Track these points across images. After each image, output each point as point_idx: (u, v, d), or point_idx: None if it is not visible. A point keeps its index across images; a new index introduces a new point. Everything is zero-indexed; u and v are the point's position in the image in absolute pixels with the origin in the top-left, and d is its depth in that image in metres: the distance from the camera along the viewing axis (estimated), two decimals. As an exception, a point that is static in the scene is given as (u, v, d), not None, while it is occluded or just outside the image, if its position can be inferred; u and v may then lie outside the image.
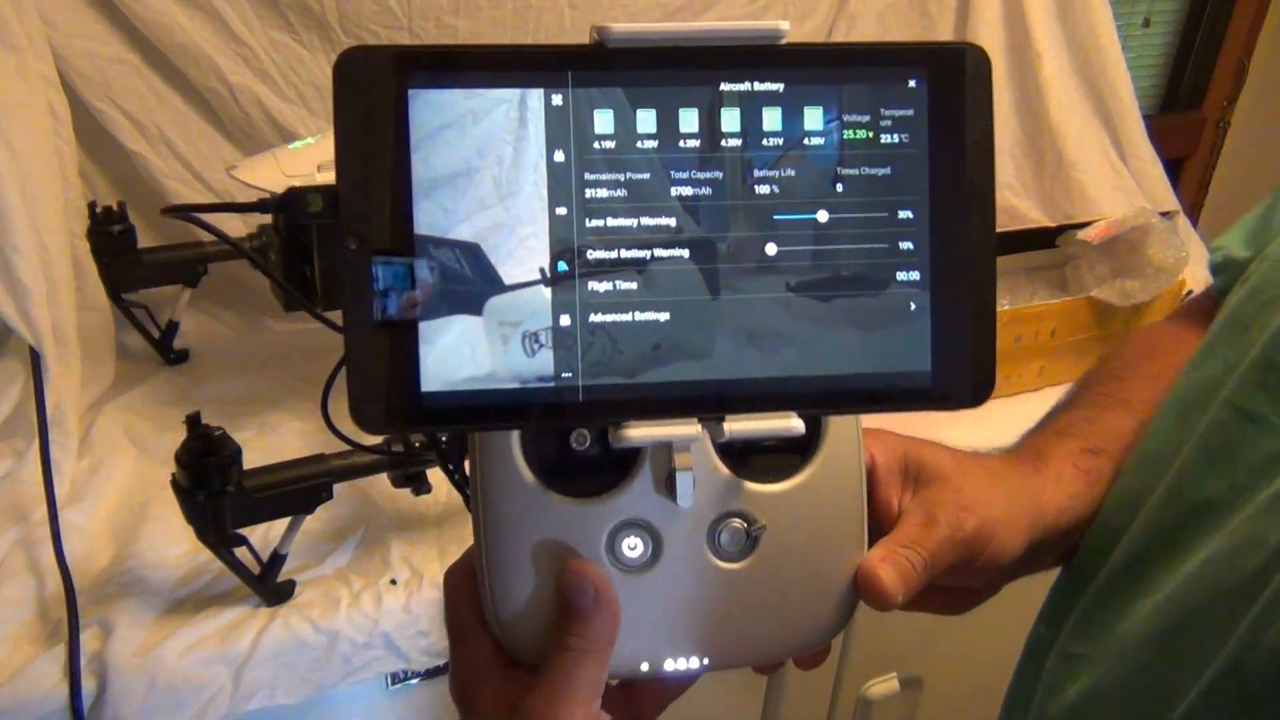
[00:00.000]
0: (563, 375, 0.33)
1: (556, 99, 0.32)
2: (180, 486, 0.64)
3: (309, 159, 0.85)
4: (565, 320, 0.33)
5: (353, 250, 0.31)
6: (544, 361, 0.33)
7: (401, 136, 0.31)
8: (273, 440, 0.89)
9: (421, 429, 0.33)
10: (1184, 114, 1.74)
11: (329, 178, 0.85)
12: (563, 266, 0.33)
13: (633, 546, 0.36)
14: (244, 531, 0.68)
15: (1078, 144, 1.34)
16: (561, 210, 0.32)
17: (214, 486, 0.64)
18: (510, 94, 0.32)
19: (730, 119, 0.33)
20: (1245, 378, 0.43)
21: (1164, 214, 1.08)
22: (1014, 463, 0.48)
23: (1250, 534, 0.40)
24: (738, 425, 0.34)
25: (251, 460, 0.67)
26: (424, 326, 0.32)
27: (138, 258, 0.95)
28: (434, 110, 0.31)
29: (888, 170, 0.34)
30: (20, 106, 0.83)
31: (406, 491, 0.75)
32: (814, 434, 0.38)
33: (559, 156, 0.32)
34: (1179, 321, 0.60)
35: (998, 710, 0.56)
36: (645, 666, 0.37)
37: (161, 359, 1.03)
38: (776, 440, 0.36)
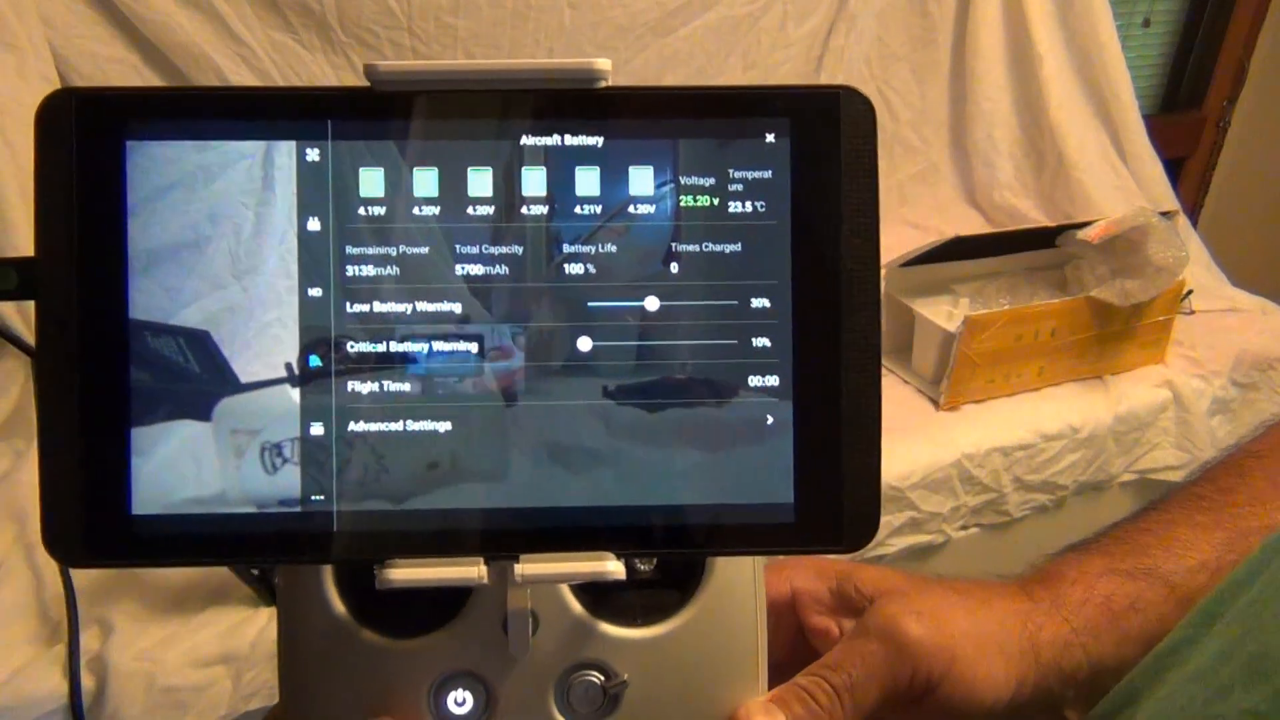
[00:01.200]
0: (312, 499, 0.26)
1: (312, 154, 0.26)
2: (180, 486, 0.64)
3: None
4: (317, 430, 0.26)
5: (51, 336, 0.25)
6: (288, 481, 0.26)
7: (115, 198, 0.26)
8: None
9: (129, 563, 0.28)
10: (1184, 114, 1.74)
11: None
12: (315, 361, 0.26)
13: (460, 701, 0.29)
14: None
15: (1078, 144, 1.34)
16: (315, 291, 0.26)
17: (214, 486, 0.64)
18: (253, 147, 0.26)
19: (533, 181, 0.26)
20: None
21: (1164, 214, 1.08)
22: (1002, 585, 0.37)
23: None
24: (534, 569, 0.26)
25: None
26: (137, 434, 0.26)
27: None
28: (157, 166, 0.26)
29: (738, 246, 0.27)
30: (20, 106, 0.83)
31: None
32: (698, 564, 0.31)
33: (313, 225, 0.26)
34: None
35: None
36: None
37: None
38: (648, 573, 0.30)
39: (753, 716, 0.29)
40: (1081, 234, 1.08)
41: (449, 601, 0.29)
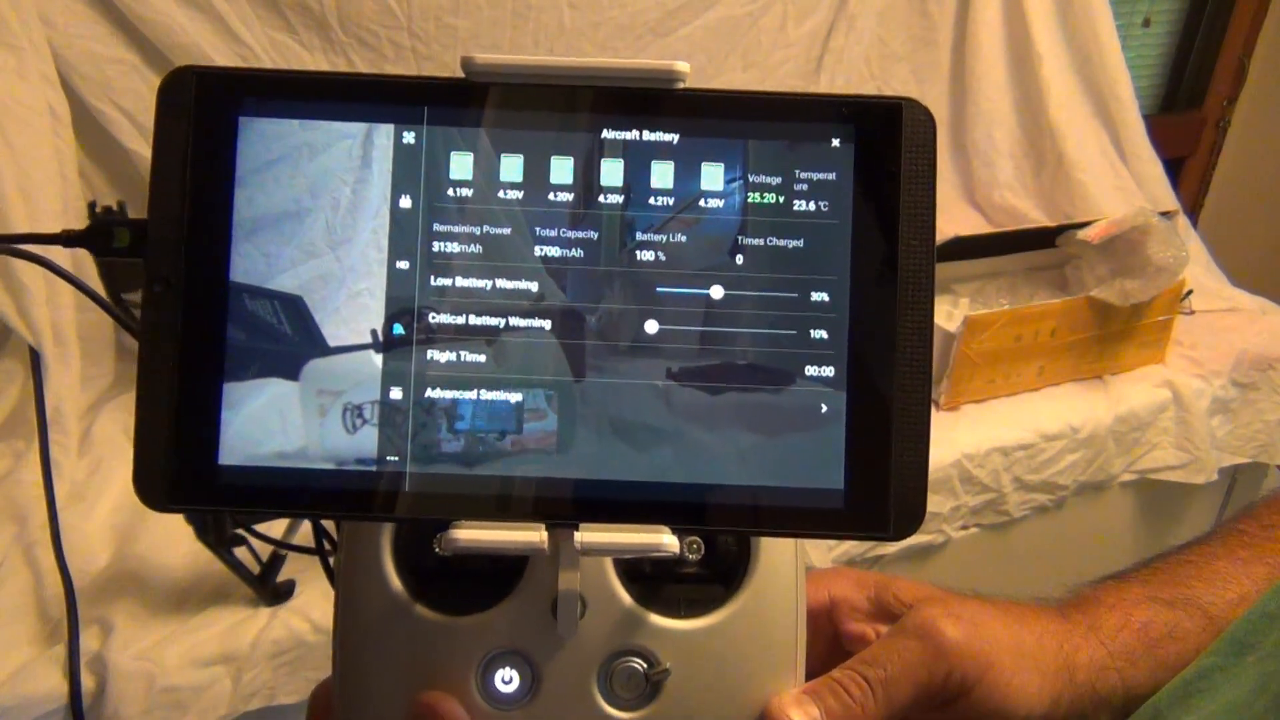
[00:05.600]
0: (387, 459, 0.27)
1: (408, 136, 0.27)
2: (180, 486, 0.64)
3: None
4: (396, 394, 0.28)
5: (157, 294, 0.27)
6: (366, 441, 0.27)
7: (225, 169, 0.27)
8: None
9: (212, 507, 0.28)
10: (1184, 114, 1.74)
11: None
12: (399, 330, 0.28)
13: (507, 680, 0.30)
14: (244, 531, 0.68)
15: (1078, 144, 1.34)
16: (403, 264, 0.28)
17: (214, 486, 0.64)
18: (355, 128, 0.27)
19: (611, 171, 0.28)
20: None
21: (1164, 214, 1.08)
22: (1038, 605, 0.36)
23: None
24: (593, 537, 0.27)
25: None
26: (229, 389, 0.27)
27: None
28: (265, 142, 0.27)
29: (800, 243, 0.28)
30: (20, 106, 0.83)
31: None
32: (743, 560, 0.31)
33: (405, 202, 0.28)
34: None
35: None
36: None
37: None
38: (695, 566, 0.31)
39: (787, 708, 0.30)
40: (1081, 234, 1.08)
41: (501, 582, 0.30)
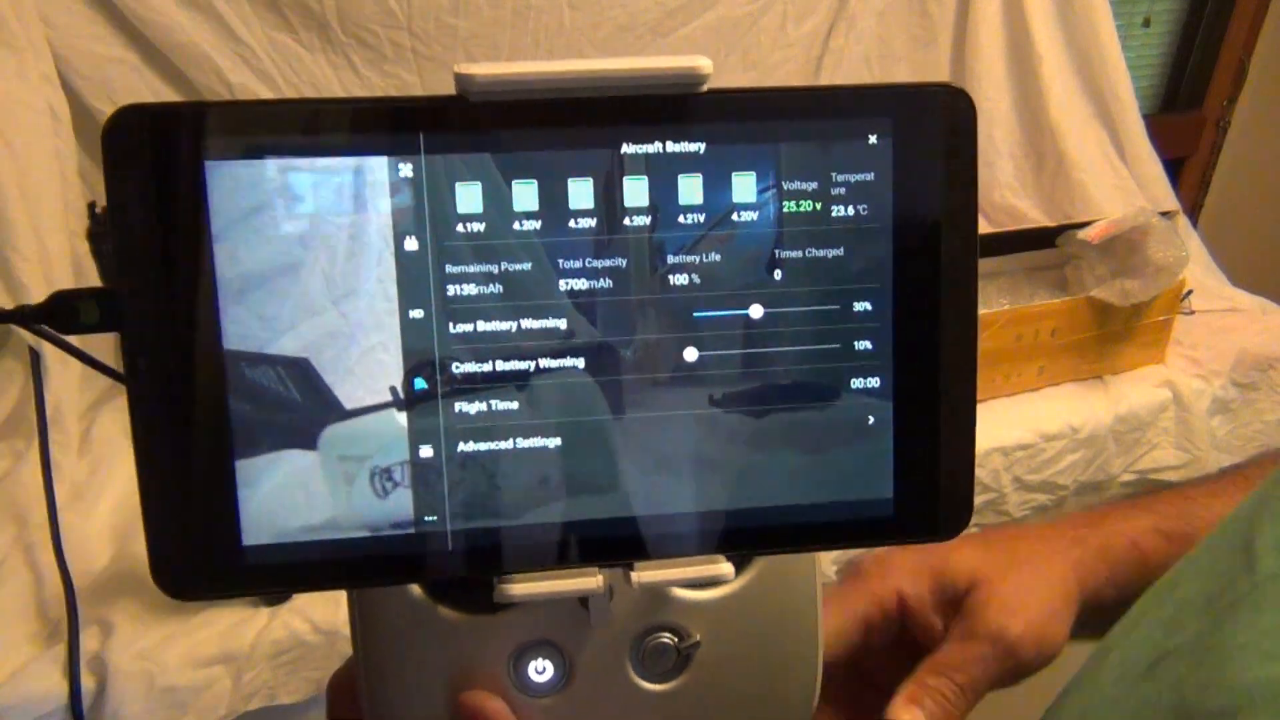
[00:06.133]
0: (425, 519, 0.26)
1: (405, 169, 0.25)
2: (180, 486, 0.64)
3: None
4: (426, 452, 0.26)
5: (141, 371, 0.24)
6: (401, 504, 0.26)
7: (199, 224, 0.24)
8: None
9: (243, 593, 0.27)
10: (1184, 114, 1.74)
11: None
12: (421, 384, 0.26)
13: (540, 670, 0.30)
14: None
15: (1078, 144, 1.34)
16: (417, 313, 0.25)
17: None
18: (343, 163, 0.24)
19: (635, 191, 0.26)
20: None
21: (1164, 214, 1.08)
22: (1056, 534, 0.41)
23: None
24: (650, 575, 0.27)
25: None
26: (241, 467, 0.25)
27: (138, 258, 0.95)
28: (242, 187, 0.24)
29: (840, 251, 0.27)
30: (20, 106, 0.83)
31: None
32: None
33: (411, 244, 0.25)
34: None
35: (997, 710, 0.56)
36: None
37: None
38: None
39: (897, 711, 0.34)
40: (1081, 234, 1.08)
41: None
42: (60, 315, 0.26)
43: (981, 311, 1.00)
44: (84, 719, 0.64)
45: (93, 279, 0.92)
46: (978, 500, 1.06)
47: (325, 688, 0.33)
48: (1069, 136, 1.33)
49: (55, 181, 0.86)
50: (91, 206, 0.92)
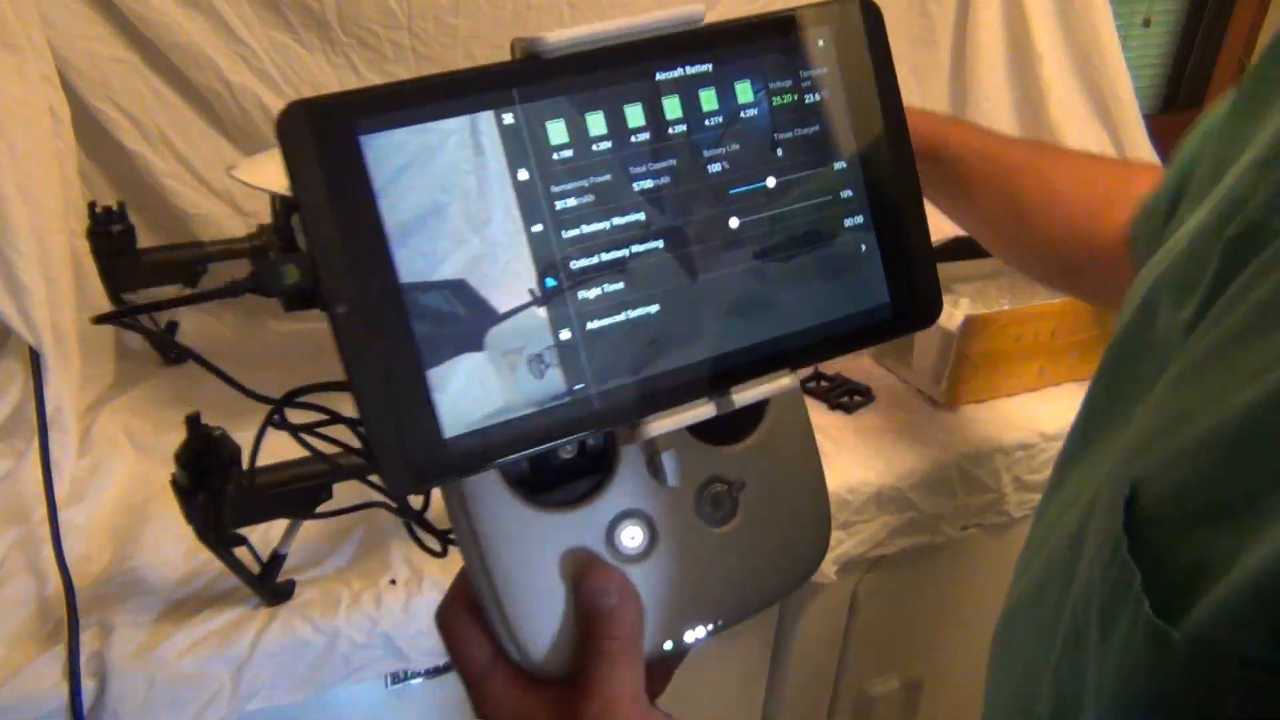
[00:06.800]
0: (575, 388, 0.33)
1: (508, 118, 0.31)
2: (180, 486, 0.64)
3: (309, 159, 0.84)
4: (565, 334, 0.33)
5: (343, 314, 0.29)
6: (554, 380, 0.33)
7: (364, 186, 0.29)
8: (273, 440, 0.89)
9: (454, 476, 0.33)
10: (1184, 114, 1.74)
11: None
12: (551, 282, 0.32)
13: (632, 537, 0.37)
14: (244, 531, 0.68)
15: (1078, 144, 1.34)
16: (538, 228, 0.32)
17: (214, 486, 0.64)
18: (461, 122, 0.31)
19: (672, 106, 0.34)
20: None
21: (1164, 214, 1.08)
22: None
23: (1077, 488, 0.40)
24: (743, 394, 0.35)
25: (251, 460, 0.67)
26: (431, 374, 0.31)
27: (137, 258, 0.95)
28: (389, 153, 0.30)
29: (816, 128, 0.36)
30: (20, 106, 0.83)
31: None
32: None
33: (523, 175, 0.32)
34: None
35: (998, 710, 0.56)
36: (669, 644, 0.38)
37: (161, 359, 1.03)
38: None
39: None
40: (1081, 234, 1.08)
41: (591, 470, 0.37)
42: (269, 281, 0.33)
43: (981, 312, 1.01)
44: (84, 719, 0.64)
45: (93, 279, 0.92)
46: (977, 500, 1.06)
47: (434, 624, 0.38)
48: (1069, 136, 1.33)
49: (55, 181, 0.86)
50: (92, 206, 0.92)
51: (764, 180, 0.35)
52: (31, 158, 0.83)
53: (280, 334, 1.11)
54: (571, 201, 0.32)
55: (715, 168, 0.34)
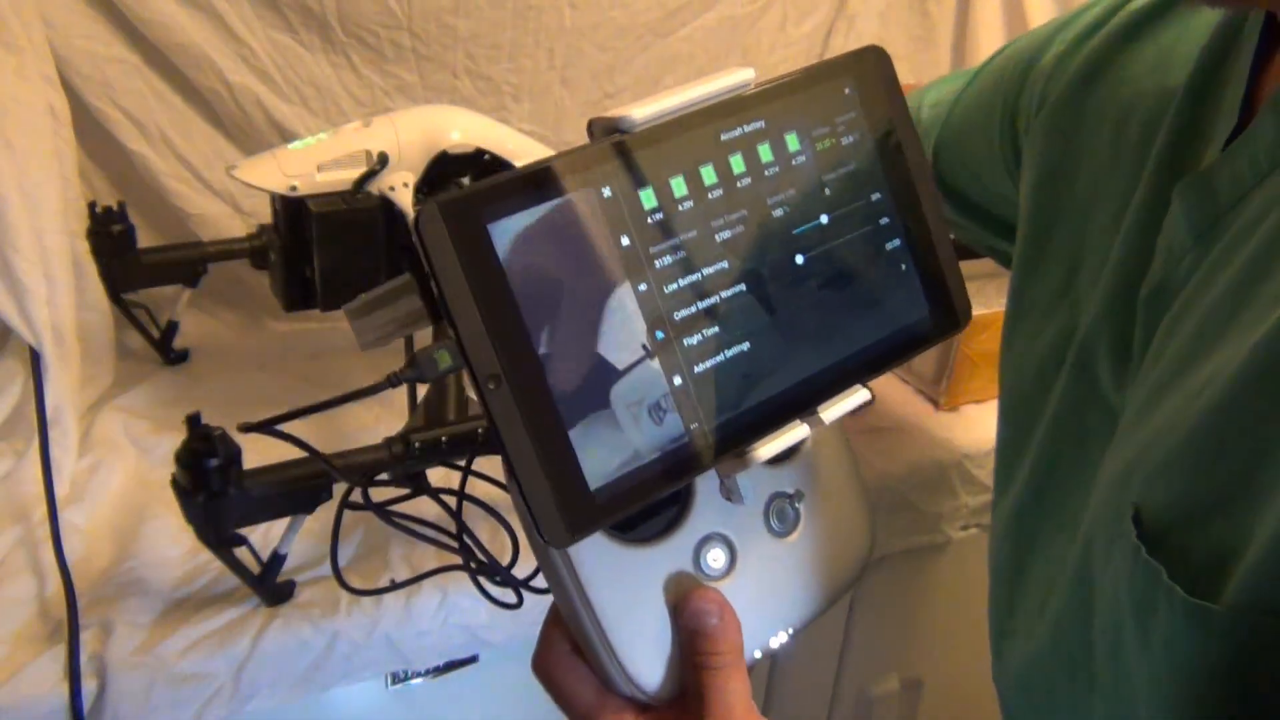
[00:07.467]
0: (691, 427, 0.36)
1: (607, 192, 0.35)
2: (180, 487, 0.64)
3: (309, 159, 0.84)
4: (678, 380, 0.36)
5: (493, 391, 0.32)
6: (673, 423, 0.36)
7: (497, 269, 0.32)
8: (273, 440, 0.89)
9: (601, 524, 0.35)
10: (1184, 114, 1.74)
11: (330, 178, 0.85)
12: (660, 335, 0.35)
13: (715, 558, 0.40)
14: (244, 531, 0.68)
15: (1078, 144, 1.34)
16: (643, 287, 0.35)
17: (214, 487, 0.64)
18: (567, 199, 0.34)
19: (737, 162, 0.37)
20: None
21: (1164, 214, 1.08)
22: None
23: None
24: (830, 411, 0.39)
25: (251, 460, 0.67)
26: (573, 435, 0.33)
27: (138, 258, 0.95)
28: (515, 236, 0.33)
29: (853, 166, 0.40)
30: (20, 106, 0.83)
31: (406, 492, 0.75)
32: None
33: (625, 241, 0.35)
34: None
35: (998, 710, 0.56)
36: (758, 654, 0.41)
37: (161, 359, 1.03)
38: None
39: None
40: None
41: (659, 507, 0.40)
42: (425, 368, 0.39)
43: (981, 312, 1.01)
44: (84, 719, 0.64)
45: (93, 279, 0.92)
46: (977, 500, 1.06)
47: (535, 675, 0.41)
48: (1069, 137, 1.33)
49: (55, 181, 0.86)
50: (92, 206, 0.92)
51: (819, 218, 0.39)
52: (31, 158, 0.83)
53: (280, 334, 1.11)
54: (668, 259, 0.35)
55: (778, 212, 0.38)
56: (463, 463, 0.56)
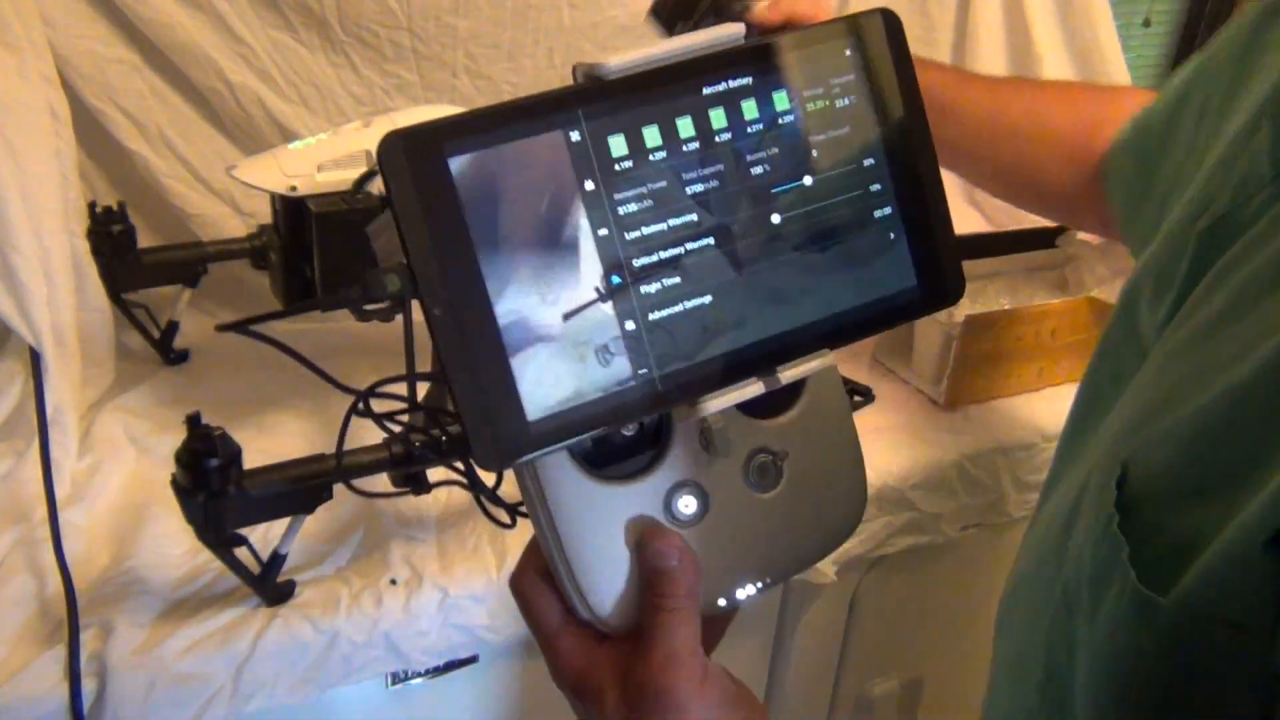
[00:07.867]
0: (639, 373, 0.36)
1: (575, 135, 0.35)
2: (180, 487, 0.64)
3: (309, 159, 0.85)
4: (630, 325, 0.36)
5: (439, 315, 0.33)
6: (620, 366, 0.36)
7: (453, 202, 0.33)
8: (273, 440, 0.89)
9: (536, 454, 0.36)
10: (1184, 114, 1.74)
11: (330, 178, 0.85)
12: (616, 280, 0.36)
13: (687, 505, 0.40)
14: (244, 531, 0.68)
15: (1078, 144, 1.33)
16: (603, 231, 0.35)
17: (214, 487, 0.64)
18: (534, 140, 0.34)
19: (718, 117, 0.37)
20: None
21: (1164, 214, 1.08)
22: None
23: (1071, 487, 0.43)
24: (788, 373, 0.39)
25: (251, 460, 0.67)
26: (514, 363, 0.34)
27: (138, 258, 0.95)
28: (474, 171, 0.33)
29: (847, 129, 0.39)
30: (20, 106, 0.83)
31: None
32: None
33: (589, 185, 0.35)
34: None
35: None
36: (722, 602, 0.41)
37: (161, 359, 1.03)
38: None
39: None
40: (1081, 234, 1.08)
41: (648, 445, 0.41)
42: (372, 288, 0.38)
43: (981, 312, 1.01)
44: (84, 719, 0.64)
45: (93, 278, 0.92)
46: (977, 501, 1.06)
47: (510, 591, 0.42)
48: (1069, 136, 1.33)
49: (55, 181, 0.86)
50: (92, 206, 0.92)
51: (801, 179, 0.38)
52: (31, 158, 0.83)
53: (280, 334, 1.10)
54: (632, 206, 0.36)
55: (758, 170, 0.37)
56: (463, 465, 0.56)
